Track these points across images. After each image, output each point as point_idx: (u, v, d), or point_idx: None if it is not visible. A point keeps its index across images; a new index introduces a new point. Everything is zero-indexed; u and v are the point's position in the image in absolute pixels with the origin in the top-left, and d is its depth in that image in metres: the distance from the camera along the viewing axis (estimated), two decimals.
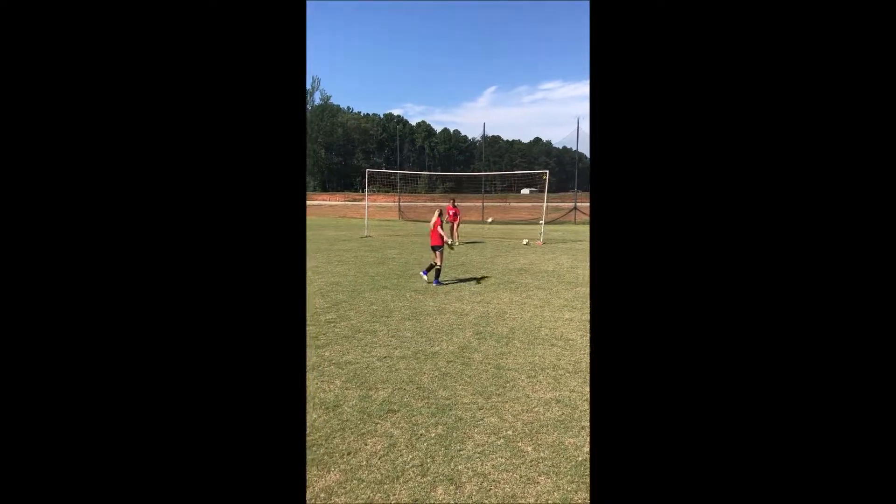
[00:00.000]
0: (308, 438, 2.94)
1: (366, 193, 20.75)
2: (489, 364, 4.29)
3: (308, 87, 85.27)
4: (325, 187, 69.90)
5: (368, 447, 2.86)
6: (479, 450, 2.84)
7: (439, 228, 8.19)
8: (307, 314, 5.91)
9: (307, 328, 5.34)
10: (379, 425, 3.13)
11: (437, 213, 8.36)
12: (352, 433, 3.02)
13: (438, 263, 8.14)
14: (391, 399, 3.53)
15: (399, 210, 29.97)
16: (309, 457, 2.74)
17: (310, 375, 3.97)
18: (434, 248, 8.23)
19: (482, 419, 3.23)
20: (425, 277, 8.26)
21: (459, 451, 2.83)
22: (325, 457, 2.75)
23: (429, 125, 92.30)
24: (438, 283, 8.00)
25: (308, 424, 3.13)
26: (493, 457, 2.77)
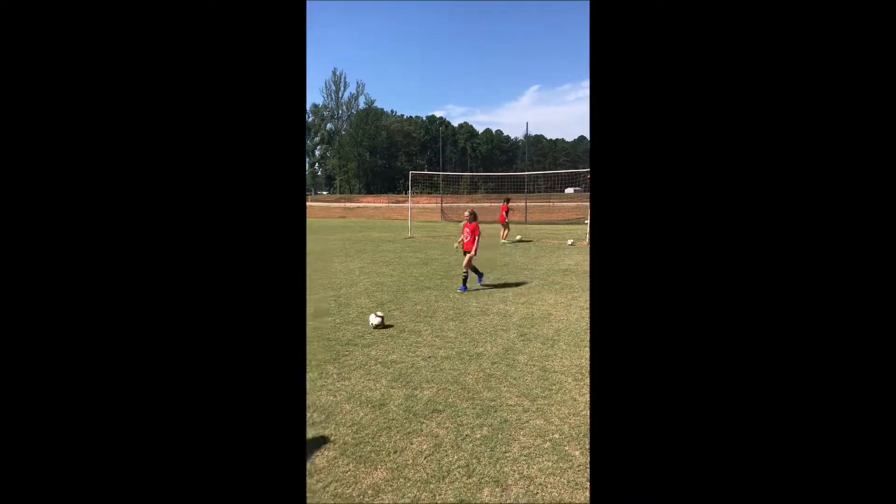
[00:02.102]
0: (355, 436, 3.00)
1: (409, 195, 20.94)
2: (534, 366, 4.23)
3: (353, 91, 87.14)
4: (370, 190, 71.14)
5: (414, 446, 2.88)
6: (525, 452, 2.81)
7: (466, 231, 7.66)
8: (353, 314, 6.03)
9: (353, 327, 5.45)
10: (424, 425, 3.15)
11: (472, 216, 7.76)
12: (398, 432, 3.05)
13: (466, 270, 7.67)
14: (436, 399, 3.55)
15: (441, 211, 30.09)
16: (356, 454, 2.79)
17: (356, 374, 4.05)
18: (466, 253, 7.75)
19: (528, 421, 3.20)
20: (479, 285, 7.82)
21: (505, 453, 2.80)
22: (372, 454, 2.79)
23: (471, 126, 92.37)
24: (465, 288, 7.52)
25: (355, 422, 3.19)
26: (540, 460, 2.73)
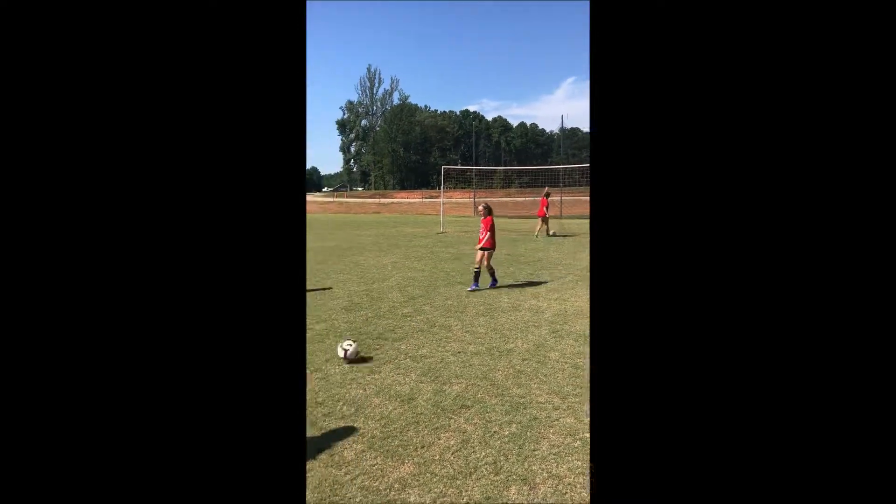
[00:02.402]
0: (384, 429, 3.01)
1: (441, 190, 20.93)
2: (566, 363, 4.15)
3: (387, 87, 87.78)
4: (404, 185, 71.66)
5: (442, 441, 2.87)
6: (554, 451, 2.76)
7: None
8: (385, 308, 6.07)
9: (385, 321, 5.49)
10: (452, 420, 3.14)
11: (486, 211, 7.21)
12: (426, 427, 3.05)
13: (477, 265, 7.26)
14: (465, 394, 3.53)
15: (474, 206, 29.97)
16: (384, 448, 2.80)
17: (386, 368, 4.07)
18: (484, 250, 7.24)
19: (558, 419, 3.13)
20: (490, 288, 7.23)
21: (534, 451, 2.76)
22: (400, 449, 2.79)
23: (505, 120, 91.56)
24: (477, 287, 7.15)
25: (384, 416, 3.20)
26: (570, 459, 2.67)
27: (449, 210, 32.86)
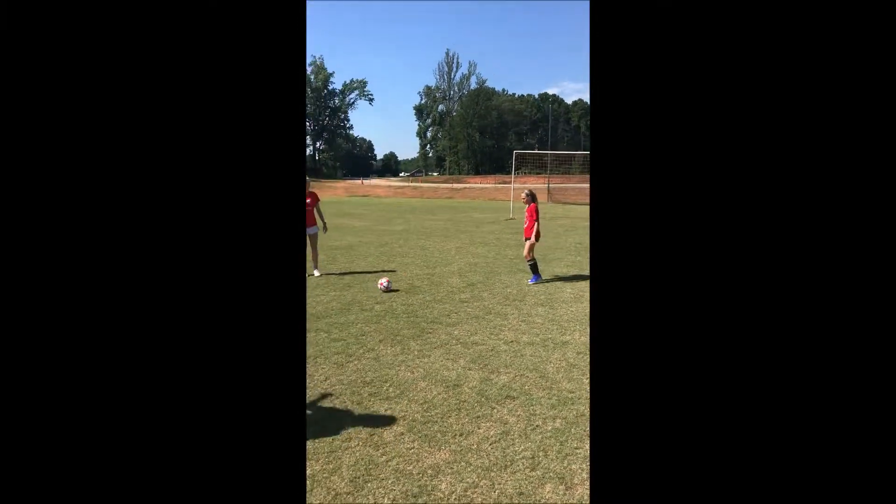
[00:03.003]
0: (425, 414, 3.01)
1: (513, 176, 20.62)
2: None
3: (465, 71, 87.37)
4: (478, 170, 71.38)
5: (482, 431, 2.82)
6: None
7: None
8: (443, 292, 6.08)
9: (441, 306, 5.49)
10: (495, 410, 3.07)
11: (529, 198, 6.77)
12: (467, 415, 3.01)
13: (529, 258, 6.80)
14: (511, 385, 3.44)
15: (548, 192, 29.24)
16: (423, 432, 2.80)
17: (436, 353, 4.07)
18: (527, 241, 6.77)
19: None
20: (530, 284, 6.64)
21: (576, 449, 2.63)
22: (438, 434, 2.78)
23: (585, 103, 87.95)
24: (537, 278, 6.72)
25: (427, 400, 3.20)
26: None
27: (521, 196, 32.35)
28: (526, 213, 6.76)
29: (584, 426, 2.87)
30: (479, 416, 2.99)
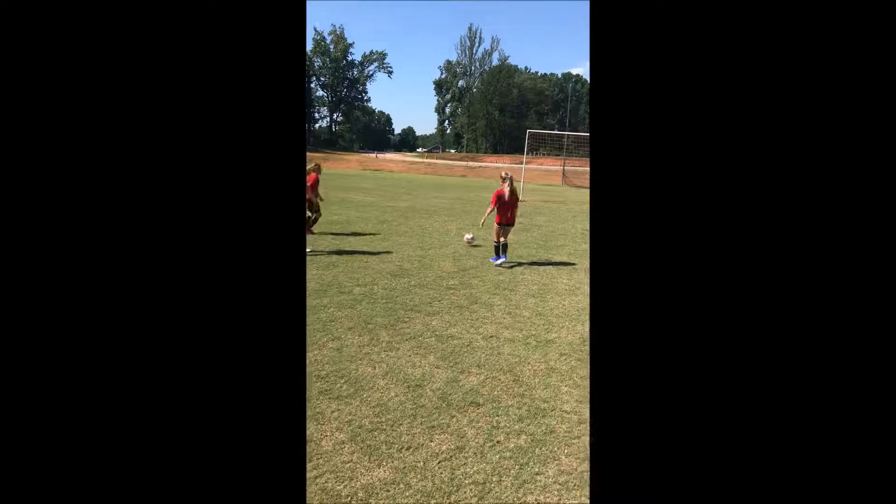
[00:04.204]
0: (374, 420, 2.67)
1: (524, 156, 19.99)
2: None
3: (487, 46, 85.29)
4: (496, 149, 70.21)
5: (433, 445, 2.47)
6: (561, 480, 2.25)
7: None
8: (431, 277, 5.72)
9: (426, 292, 5.14)
10: (455, 419, 2.72)
11: (508, 183, 6.59)
12: (422, 423, 2.66)
13: (497, 240, 6.69)
14: (479, 389, 3.08)
15: (563, 174, 28.49)
16: (366, 442, 2.46)
17: (406, 345, 3.72)
18: (502, 226, 6.58)
19: (579, 437, 2.60)
20: (498, 262, 6.59)
21: (536, 475, 2.27)
22: (383, 446, 2.44)
23: None
24: (500, 259, 6.63)
25: (381, 403, 2.86)
26: (577, 495, 2.16)
27: (538, 177, 31.67)
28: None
29: (552, 445, 2.51)
30: (434, 426, 2.64)
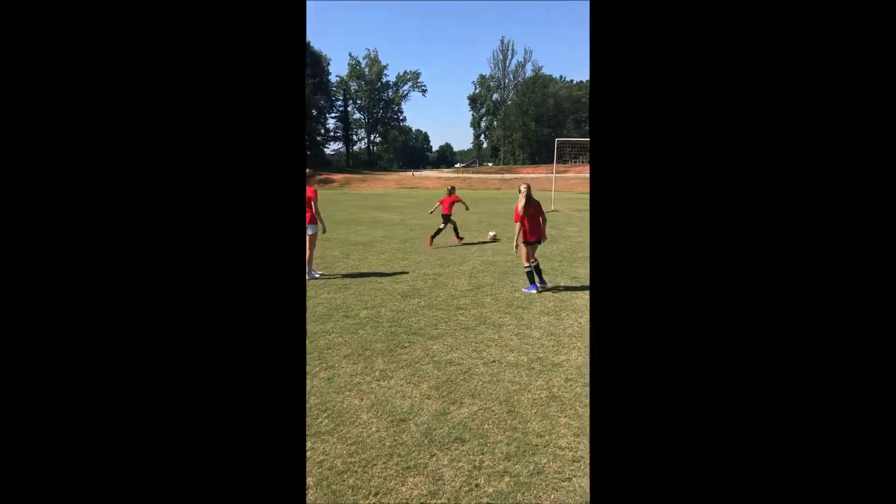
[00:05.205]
0: (347, 460, 2.48)
1: (554, 165, 19.58)
2: None
3: (520, 58, 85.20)
4: (534, 160, 69.52)
5: (404, 490, 2.25)
6: None
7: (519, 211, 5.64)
8: (442, 297, 5.52)
9: (433, 313, 4.94)
10: (435, 458, 2.49)
11: (522, 191, 5.76)
12: (397, 464, 2.45)
13: (525, 263, 5.77)
14: (469, 423, 2.84)
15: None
16: (331, 488, 2.27)
17: (400, 373, 3.52)
18: (530, 244, 5.71)
19: (570, 479, 2.31)
20: (534, 291, 5.69)
21: None
22: (349, 492, 2.24)
23: None
24: (543, 285, 5.76)
25: (359, 441, 2.66)
26: None
27: (574, 186, 31.02)
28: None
29: (536, 490, 2.23)
30: (409, 467, 2.42)
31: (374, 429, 2.79)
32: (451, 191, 9.71)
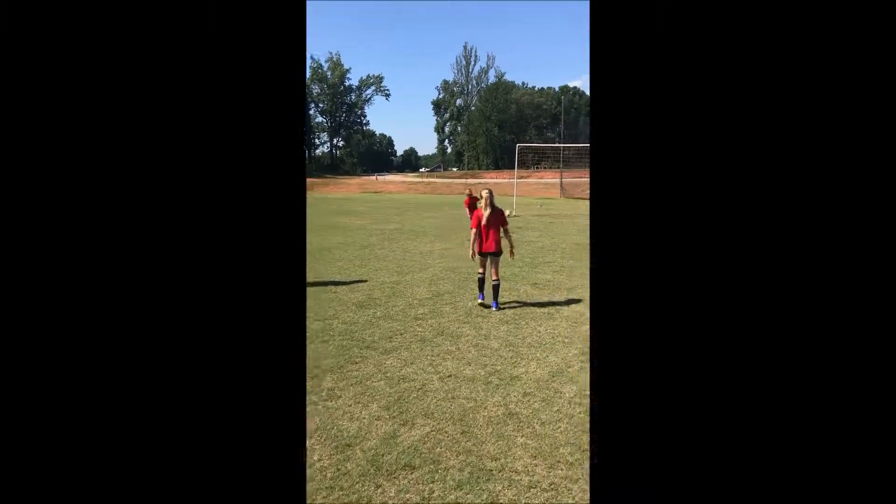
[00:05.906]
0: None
1: (515, 170, 19.71)
2: (580, 405, 3.08)
3: (483, 64, 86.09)
4: (498, 165, 70.12)
5: None
6: None
7: (481, 221, 5.25)
8: (399, 307, 5.31)
9: (389, 324, 4.72)
10: (379, 490, 2.28)
11: (484, 197, 5.35)
12: (338, 499, 2.22)
13: (491, 276, 5.31)
14: (420, 446, 2.64)
15: (561, 187, 28.12)
16: None
17: (349, 392, 3.29)
18: (487, 255, 5.29)
19: None
20: (482, 301, 5.34)
21: None
22: None
23: None
24: (497, 305, 5.27)
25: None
26: None
27: (535, 191, 31.34)
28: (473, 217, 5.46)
29: None
30: (351, 502, 2.19)
31: (315, 457, 2.55)
32: (473, 199, 10.63)
